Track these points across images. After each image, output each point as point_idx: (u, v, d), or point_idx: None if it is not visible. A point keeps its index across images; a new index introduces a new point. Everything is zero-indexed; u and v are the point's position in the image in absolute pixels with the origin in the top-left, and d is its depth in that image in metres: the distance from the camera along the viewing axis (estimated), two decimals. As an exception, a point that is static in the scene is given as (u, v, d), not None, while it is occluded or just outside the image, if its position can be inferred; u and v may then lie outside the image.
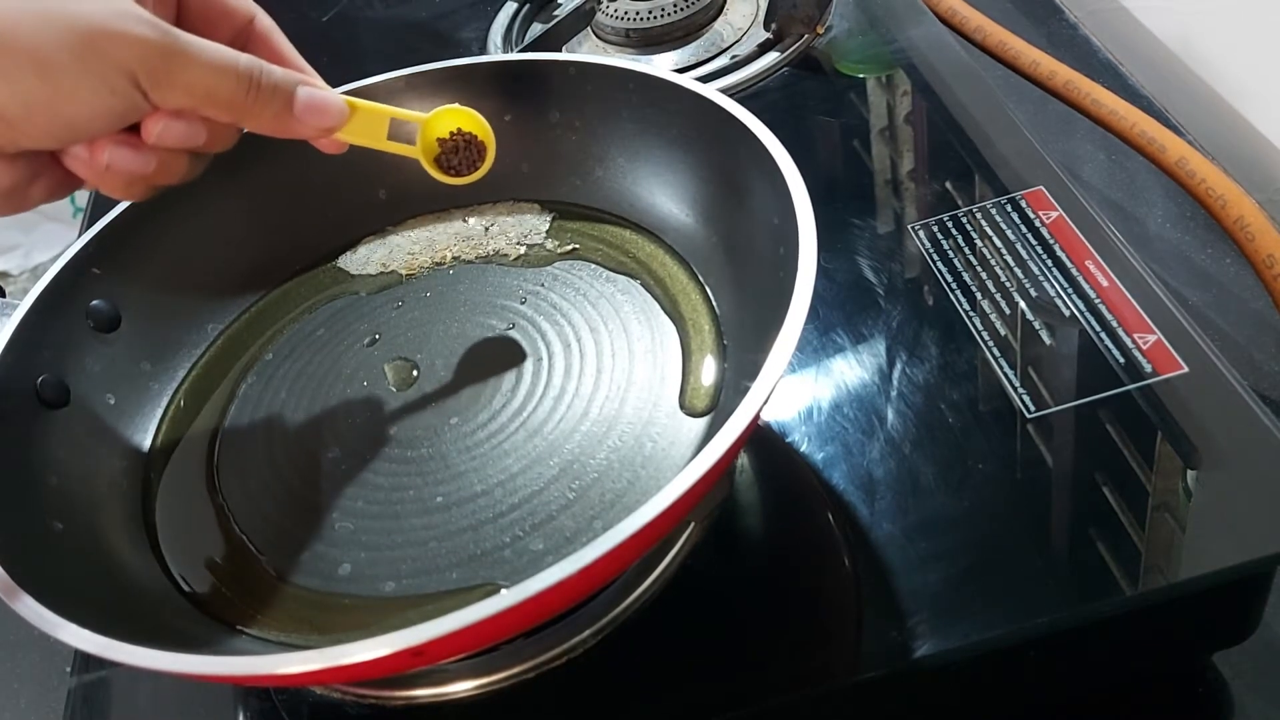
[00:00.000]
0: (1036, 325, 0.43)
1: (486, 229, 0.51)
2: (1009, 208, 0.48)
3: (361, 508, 0.40)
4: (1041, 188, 0.49)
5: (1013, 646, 0.35)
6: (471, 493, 0.40)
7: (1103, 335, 0.42)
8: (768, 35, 0.65)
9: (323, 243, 0.51)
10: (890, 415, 0.42)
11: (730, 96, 0.43)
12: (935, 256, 0.48)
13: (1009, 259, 0.46)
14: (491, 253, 0.50)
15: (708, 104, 0.43)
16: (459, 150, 0.43)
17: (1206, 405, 0.39)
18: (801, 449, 0.42)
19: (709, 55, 0.65)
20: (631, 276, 0.46)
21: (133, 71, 0.33)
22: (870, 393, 0.43)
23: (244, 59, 0.35)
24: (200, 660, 0.29)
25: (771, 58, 0.63)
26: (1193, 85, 0.65)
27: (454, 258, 0.50)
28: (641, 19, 0.66)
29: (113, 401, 0.44)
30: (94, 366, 0.44)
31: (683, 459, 0.39)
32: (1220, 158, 0.52)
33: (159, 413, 0.46)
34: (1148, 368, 0.40)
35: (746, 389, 0.31)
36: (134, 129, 0.35)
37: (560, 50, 0.67)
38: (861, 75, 0.62)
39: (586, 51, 0.69)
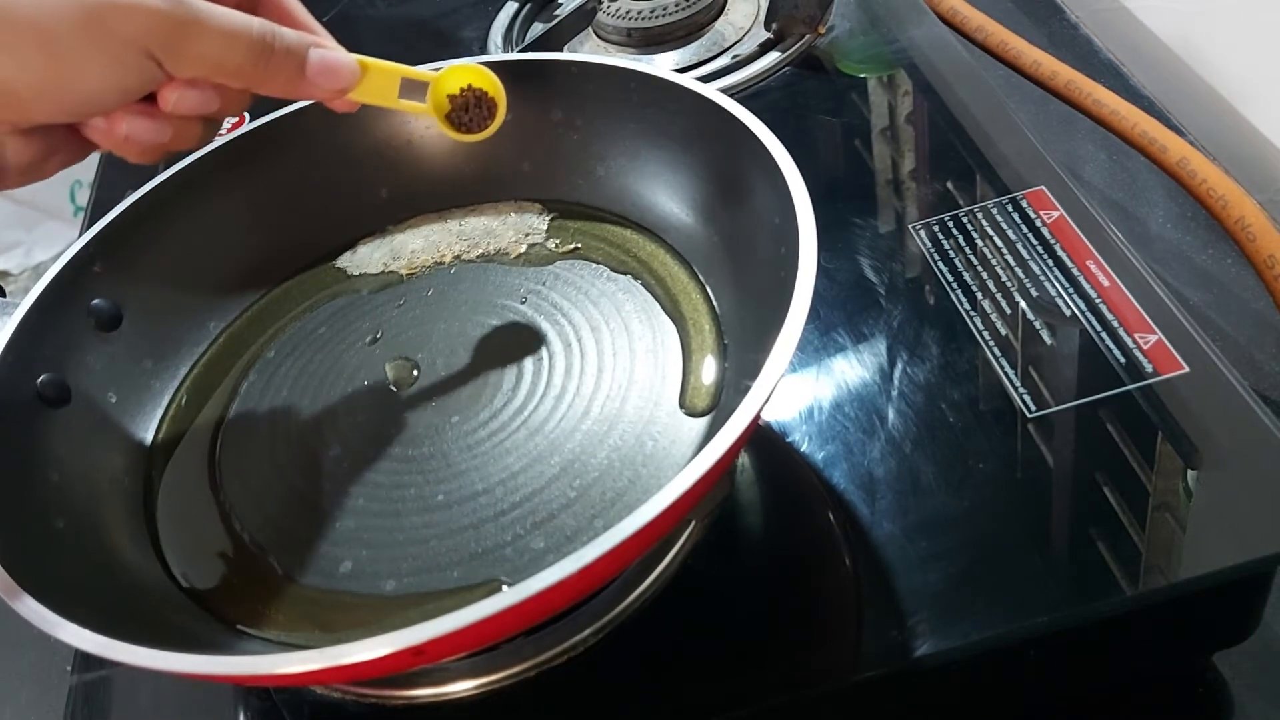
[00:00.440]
0: (1037, 325, 0.43)
1: (488, 228, 0.51)
2: (1010, 207, 0.48)
3: (363, 505, 0.40)
4: (1042, 188, 0.49)
5: (1013, 646, 0.35)
6: (472, 491, 0.40)
7: (1103, 335, 0.42)
8: (769, 35, 0.65)
9: (324, 241, 0.51)
10: (891, 415, 0.42)
11: (731, 96, 0.43)
12: (936, 256, 0.48)
13: (1010, 259, 0.46)
14: (493, 252, 0.50)
15: (709, 104, 0.43)
16: (469, 107, 0.43)
17: (1207, 405, 0.39)
18: (802, 448, 0.42)
19: (710, 55, 0.65)
20: (632, 276, 0.46)
21: (144, 44, 0.32)
22: (871, 392, 0.43)
23: (256, 24, 0.34)
24: (200, 660, 0.29)
25: (772, 57, 0.63)
26: (1194, 85, 0.65)
27: (455, 257, 0.50)
28: (643, 18, 0.66)
29: (114, 399, 0.44)
30: (95, 365, 0.44)
31: (683, 458, 0.39)
32: (1221, 158, 0.52)
33: (160, 411, 0.46)
34: (1148, 368, 0.40)
35: (747, 388, 0.31)
36: (150, 97, 0.35)
37: (561, 50, 0.67)
38: (863, 75, 0.62)
39: (588, 51, 0.69)
